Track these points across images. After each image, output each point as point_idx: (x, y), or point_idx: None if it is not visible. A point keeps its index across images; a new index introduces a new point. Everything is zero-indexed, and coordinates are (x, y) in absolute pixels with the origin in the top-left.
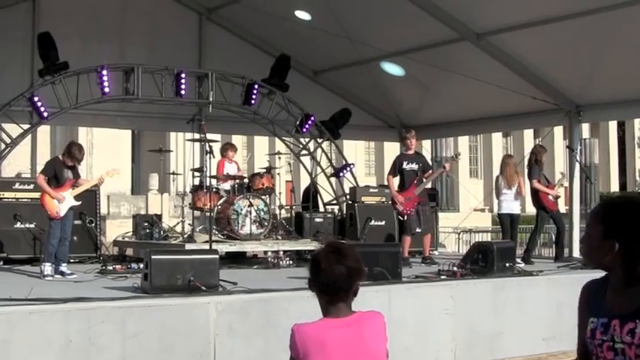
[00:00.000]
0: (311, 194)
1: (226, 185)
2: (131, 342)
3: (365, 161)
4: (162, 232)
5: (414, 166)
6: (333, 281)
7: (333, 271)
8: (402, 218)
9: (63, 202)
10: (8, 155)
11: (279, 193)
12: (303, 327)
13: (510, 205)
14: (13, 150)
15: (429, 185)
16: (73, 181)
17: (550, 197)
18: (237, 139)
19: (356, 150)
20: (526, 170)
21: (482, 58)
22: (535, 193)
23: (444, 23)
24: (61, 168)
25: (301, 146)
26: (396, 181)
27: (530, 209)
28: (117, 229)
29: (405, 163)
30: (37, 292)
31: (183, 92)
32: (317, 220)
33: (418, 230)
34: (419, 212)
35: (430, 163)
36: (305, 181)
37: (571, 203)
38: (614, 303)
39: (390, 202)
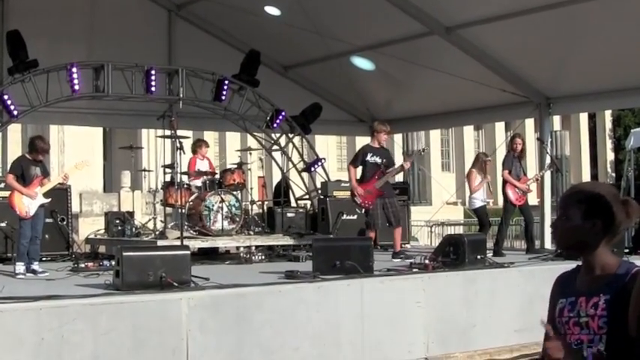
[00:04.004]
0: (282, 189)
1: (198, 182)
2: (103, 339)
3: (337, 156)
4: (134, 229)
5: (378, 160)
6: None
7: None
8: (358, 211)
9: (35, 198)
10: None
11: (251, 189)
12: None
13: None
14: None
15: (396, 179)
16: (41, 178)
17: (517, 190)
18: (209, 135)
19: (327, 145)
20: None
21: (452, 52)
22: (503, 184)
23: (413, 17)
24: (28, 165)
25: (272, 141)
26: (358, 173)
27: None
28: (89, 226)
29: (369, 155)
30: (8, 290)
31: (153, 89)
32: (289, 215)
33: (387, 225)
34: (385, 207)
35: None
36: (277, 177)
37: (542, 195)
38: (583, 284)
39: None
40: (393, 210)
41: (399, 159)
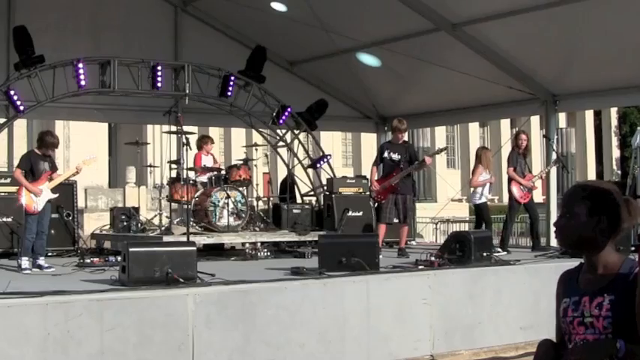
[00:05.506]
0: (288, 185)
1: (203, 177)
2: (109, 335)
3: (342, 152)
4: (139, 225)
5: (395, 156)
6: None
7: None
8: (372, 205)
9: (40, 195)
10: None
11: (257, 185)
12: None
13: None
14: None
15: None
16: (49, 173)
17: (522, 187)
18: (214, 131)
19: (333, 141)
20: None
21: (459, 49)
22: (508, 181)
23: (419, 13)
24: (37, 160)
25: (278, 138)
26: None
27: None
28: (94, 222)
29: (386, 153)
30: (14, 285)
31: (159, 84)
32: (294, 211)
33: (396, 220)
34: (397, 202)
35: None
36: (282, 173)
37: (548, 192)
38: (585, 283)
39: (367, 193)
40: (403, 207)
41: None
